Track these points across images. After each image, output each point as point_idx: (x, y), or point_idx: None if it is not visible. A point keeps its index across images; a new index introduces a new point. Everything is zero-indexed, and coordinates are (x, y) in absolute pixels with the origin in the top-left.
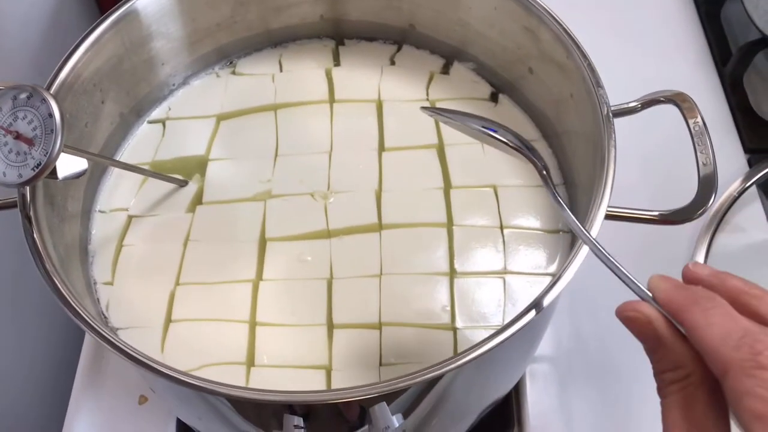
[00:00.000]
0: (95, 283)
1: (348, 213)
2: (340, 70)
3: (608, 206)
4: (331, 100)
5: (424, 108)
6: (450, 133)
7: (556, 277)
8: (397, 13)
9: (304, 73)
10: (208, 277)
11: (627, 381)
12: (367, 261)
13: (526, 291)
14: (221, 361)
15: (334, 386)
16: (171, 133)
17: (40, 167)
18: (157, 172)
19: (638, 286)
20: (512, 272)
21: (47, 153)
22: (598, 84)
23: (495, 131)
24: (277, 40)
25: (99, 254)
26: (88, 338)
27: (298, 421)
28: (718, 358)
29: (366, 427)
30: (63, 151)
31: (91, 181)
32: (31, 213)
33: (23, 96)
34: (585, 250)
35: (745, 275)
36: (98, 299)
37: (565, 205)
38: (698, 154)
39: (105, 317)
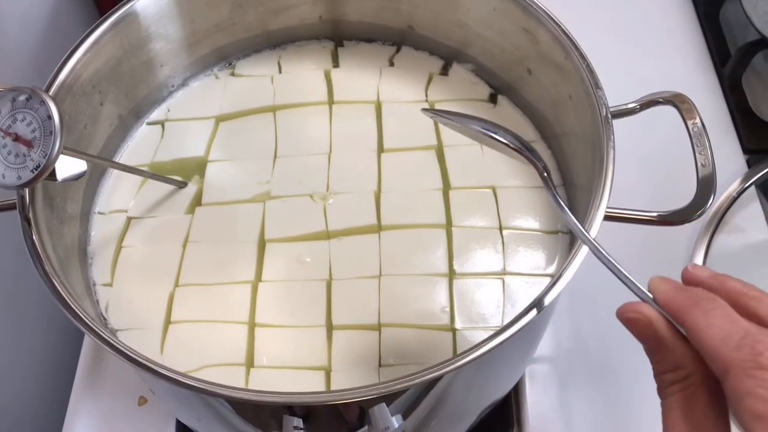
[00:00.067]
0: (94, 285)
1: (347, 214)
2: (339, 71)
3: (607, 207)
4: (330, 101)
5: (425, 110)
6: (449, 135)
7: (555, 278)
8: (396, 15)
9: (303, 75)
10: (207, 278)
11: (626, 381)
12: (367, 262)
13: (525, 292)
14: (221, 362)
15: (333, 387)
16: (170, 135)
17: (39, 169)
18: (156, 173)
19: (638, 288)
20: (511, 273)
21: (46, 155)
22: (597, 85)
23: (495, 133)
24: (276, 42)
25: (98, 256)
26: (88, 339)
27: (298, 422)
28: (719, 358)
29: (365, 428)
30: (62, 153)
31: (90, 182)
32: (31, 215)
33: (22, 98)
34: (584, 250)
35: (744, 276)
36: (97, 301)
37: (565, 207)
38: (697, 155)
39: (104, 319)
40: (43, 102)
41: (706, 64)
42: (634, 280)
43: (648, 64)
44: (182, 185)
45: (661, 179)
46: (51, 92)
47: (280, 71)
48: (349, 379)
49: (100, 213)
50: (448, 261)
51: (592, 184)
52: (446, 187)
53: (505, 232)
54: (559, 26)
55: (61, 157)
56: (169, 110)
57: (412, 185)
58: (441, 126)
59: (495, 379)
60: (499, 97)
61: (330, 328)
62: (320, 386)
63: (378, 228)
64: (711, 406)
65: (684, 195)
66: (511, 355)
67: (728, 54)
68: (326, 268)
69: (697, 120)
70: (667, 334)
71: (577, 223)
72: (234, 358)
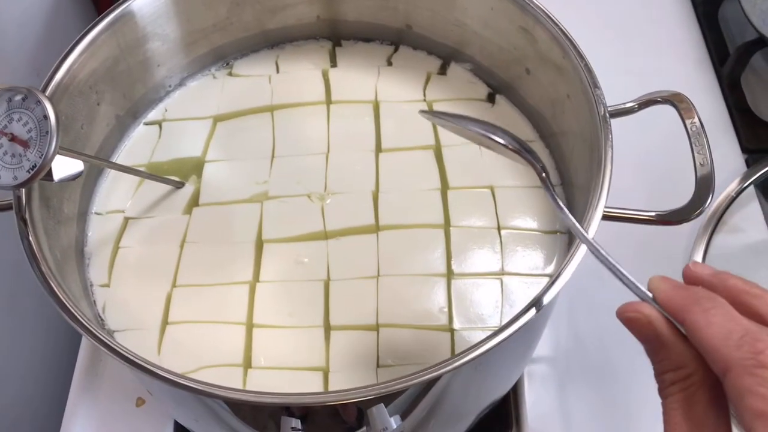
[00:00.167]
0: (92, 286)
1: (345, 214)
2: (337, 71)
3: (605, 207)
4: (328, 101)
5: (422, 112)
6: (447, 135)
7: (553, 278)
8: (394, 14)
9: (300, 74)
10: (204, 278)
11: (625, 382)
12: (365, 262)
13: (523, 292)
14: (218, 363)
15: (331, 388)
16: (167, 135)
17: (35, 169)
18: (153, 173)
19: (638, 287)
20: (509, 273)
21: (42, 155)
22: (595, 84)
23: (493, 134)
24: (273, 41)
25: (95, 256)
26: (85, 340)
27: (296, 423)
28: (720, 357)
29: (364, 428)
30: (58, 153)
31: (87, 183)
32: (27, 215)
33: (18, 98)
34: (582, 250)
35: (743, 275)
36: (95, 301)
37: (564, 207)
38: (695, 154)
39: (101, 319)
40: (39, 102)
41: (704, 64)
42: (633, 280)
43: (646, 63)
44: (179, 185)
45: (660, 179)
46: (47, 92)
47: (277, 71)
48: (347, 380)
49: (97, 213)
50: (447, 261)
51: (590, 183)
52: (444, 187)
53: (503, 232)
54: (557, 25)
55: (58, 157)
56: (166, 110)
57: (410, 185)
58: (439, 126)
59: (493, 379)
60: (498, 97)
61: (328, 328)
62: (318, 387)
63: (376, 228)
64: (712, 406)
65: (682, 195)
66: (510, 355)
67: (727, 53)
68: (324, 269)
69: (696, 119)
70: (668, 334)
71: (576, 223)
72: (231, 358)
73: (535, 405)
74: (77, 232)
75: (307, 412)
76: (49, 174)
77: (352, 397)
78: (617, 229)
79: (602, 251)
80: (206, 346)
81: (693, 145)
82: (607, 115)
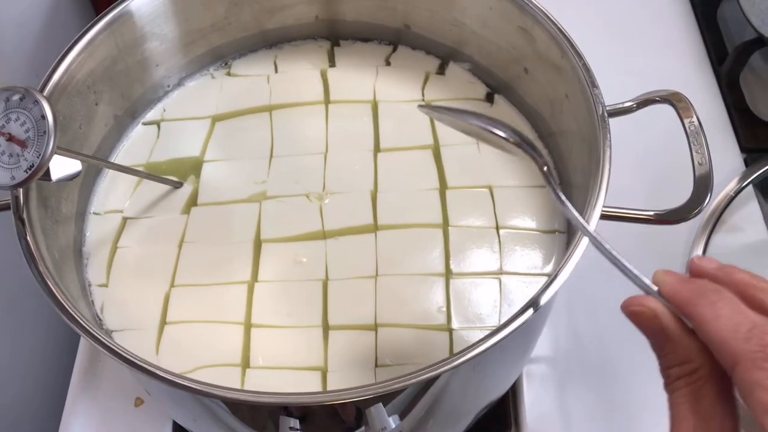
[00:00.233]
0: (90, 286)
1: (343, 214)
2: (336, 70)
3: (604, 206)
4: (327, 100)
5: (421, 106)
6: (446, 134)
7: (551, 277)
8: (392, 14)
9: (299, 74)
10: (203, 278)
11: (625, 381)
12: (363, 262)
13: (522, 291)
14: (216, 363)
15: (329, 388)
16: (166, 135)
17: (32, 169)
18: (151, 173)
19: (643, 281)
20: (508, 273)
21: (40, 155)
22: (594, 84)
23: (494, 128)
24: (272, 41)
25: (93, 256)
26: (84, 340)
27: (294, 423)
28: (728, 350)
29: (363, 428)
30: (56, 153)
31: (85, 183)
32: (25, 215)
33: (16, 97)
34: (581, 250)
35: None
36: (93, 301)
37: (566, 201)
38: (694, 153)
39: (100, 319)
40: (36, 102)
41: (703, 63)
42: (638, 273)
43: (645, 62)
44: (178, 185)
45: (658, 178)
46: (45, 92)
47: (276, 71)
48: (345, 380)
49: (95, 213)
50: (445, 261)
51: (588, 182)
52: (443, 186)
53: (501, 231)
54: (556, 25)
55: (56, 157)
56: (164, 110)
57: (409, 185)
58: (437, 125)
59: (492, 379)
60: (496, 96)
61: (326, 328)
62: (317, 387)
63: (374, 228)
64: (719, 400)
65: (681, 194)
66: (508, 354)
67: (726, 53)
68: (322, 268)
69: (694, 119)
70: (674, 328)
71: (579, 217)
72: (230, 358)
73: (534, 405)
74: (75, 232)
75: (306, 412)
76: (47, 174)
77: (350, 397)
78: (616, 229)
79: (606, 245)
80: (204, 346)
81: (691, 145)
82: (606, 114)
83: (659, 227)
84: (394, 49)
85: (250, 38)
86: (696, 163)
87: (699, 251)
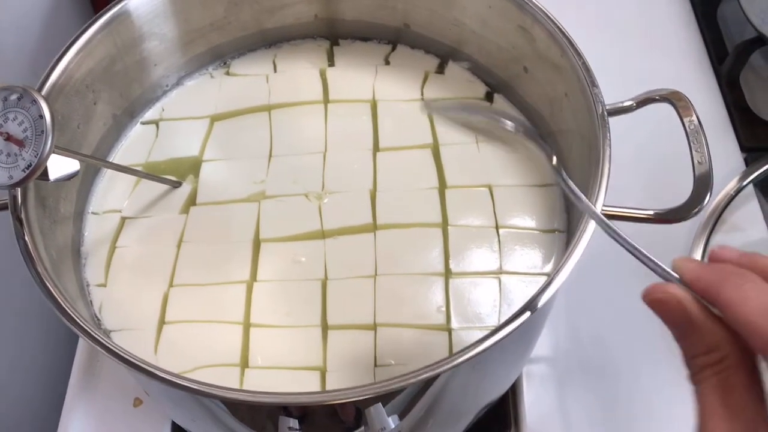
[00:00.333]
0: (88, 285)
1: (342, 213)
2: (335, 70)
3: (603, 205)
4: (326, 100)
5: (425, 105)
6: (445, 133)
7: (551, 277)
8: (392, 13)
9: (298, 74)
10: (201, 278)
11: (625, 381)
12: (362, 261)
13: (521, 291)
14: (215, 362)
15: (329, 388)
16: (164, 134)
17: (30, 168)
18: (150, 173)
19: (664, 268)
20: (508, 272)
21: (38, 154)
22: (593, 83)
23: (502, 119)
24: (271, 41)
25: (92, 256)
26: (82, 341)
27: (294, 423)
28: (758, 332)
29: (362, 428)
30: (54, 153)
31: (83, 182)
32: (23, 215)
33: (14, 97)
34: (580, 249)
35: None
36: (91, 301)
37: (578, 191)
38: (693, 152)
39: (98, 319)
40: (34, 101)
41: (703, 62)
42: (657, 261)
43: (645, 61)
44: (177, 185)
45: (658, 177)
46: (43, 91)
47: (275, 70)
48: (344, 380)
49: (93, 213)
50: (444, 260)
51: (588, 182)
52: (442, 185)
53: (501, 231)
54: (555, 24)
55: (53, 156)
56: (163, 110)
57: (408, 184)
58: (437, 124)
59: (492, 378)
60: (496, 95)
61: (325, 328)
62: (316, 387)
63: (373, 227)
64: (749, 389)
65: (681, 193)
66: (508, 354)
67: (726, 52)
68: (321, 268)
69: (694, 118)
70: (699, 315)
71: (591, 205)
72: (229, 358)
73: (533, 405)
74: (74, 232)
75: (305, 412)
76: (45, 173)
77: (349, 397)
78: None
79: (623, 236)
80: (203, 346)
81: (691, 144)
82: (605, 113)
83: (659, 226)
84: (394, 48)
85: (249, 37)
86: (696, 162)
87: (699, 250)
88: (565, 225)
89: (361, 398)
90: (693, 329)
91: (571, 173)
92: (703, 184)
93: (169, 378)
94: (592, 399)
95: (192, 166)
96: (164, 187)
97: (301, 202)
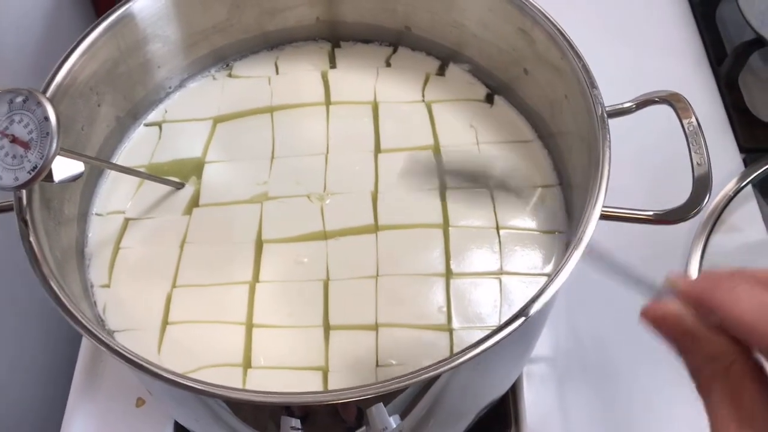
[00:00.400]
0: (92, 286)
1: (344, 214)
2: (336, 72)
3: (603, 206)
4: (327, 102)
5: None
6: (446, 134)
7: (551, 277)
8: (393, 16)
9: (300, 75)
10: (204, 279)
11: (625, 381)
12: (364, 262)
13: (522, 291)
14: (218, 363)
15: (331, 387)
16: (167, 136)
17: (36, 170)
18: (153, 174)
19: (656, 285)
20: (508, 273)
21: (43, 156)
22: (593, 85)
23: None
24: (273, 43)
25: (96, 257)
26: (86, 341)
27: (296, 422)
28: (756, 330)
29: (363, 428)
30: (59, 154)
31: (87, 184)
32: (28, 216)
33: (19, 99)
34: (581, 250)
35: None
36: (95, 302)
37: None
38: (692, 154)
39: (102, 320)
40: (39, 103)
41: (702, 64)
42: (646, 280)
43: (644, 63)
44: (180, 186)
45: (657, 178)
46: (48, 94)
47: (277, 72)
48: (346, 380)
49: (97, 214)
50: (445, 261)
51: (588, 183)
52: (443, 187)
53: (501, 231)
54: (555, 26)
55: (58, 158)
56: (166, 111)
57: (409, 185)
58: (438, 125)
59: (492, 378)
60: (496, 97)
61: (327, 328)
62: (318, 387)
63: (375, 228)
64: (760, 393)
65: (680, 194)
66: (509, 354)
67: (724, 53)
68: (323, 269)
69: (693, 119)
70: (699, 326)
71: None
72: (231, 358)
73: (534, 404)
74: (77, 233)
75: (307, 412)
76: (50, 175)
77: (351, 397)
78: (615, 229)
79: (602, 258)
80: (206, 346)
81: (690, 145)
82: (605, 115)
83: (658, 227)
84: (395, 51)
85: (251, 40)
86: (695, 163)
87: (698, 251)
88: (564, 226)
89: (363, 398)
90: (694, 341)
91: (572, 174)
92: (702, 185)
93: (173, 378)
94: (592, 399)
95: (195, 168)
96: (167, 188)
97: (303, 203)
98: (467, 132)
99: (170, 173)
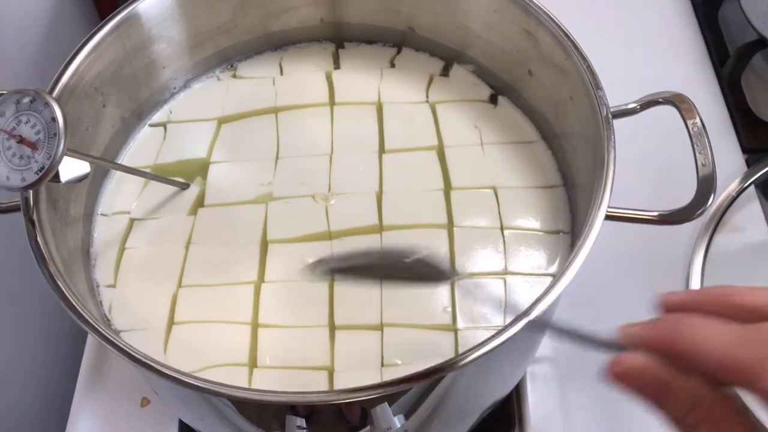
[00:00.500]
0: (98, 286)
1: (349, 215)
2: (341, 72)
3: (608, 207)
4: (332, 102)
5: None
6: (450, 135)
7: (556, 278)
8: (397, 17)
9: (304, 76)
10: (210, 279)
11: None
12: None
13: (526, 292)
14: (224, 362)
15: (336, 387)
16: (172, 137)
17: (43, 171)
18: (158, 175)
19: (613, 342)
20: (513, 273)
21: (50, 157)
22: (598, 86)
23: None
24: (277, 44)
25: (101, 257)
26: (91, 341)
27: (301, 422)
28: (732, 366)
29: (368, 428)
30: (66, 155)
31: (93, 184)
32: (35, 216)
33: (26, 100)
34: (586, 250)
35: (743, 275)
36: (101, 302)
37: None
38: (697, 154)
39: (108, 320)
40: (47, 104)
41: (705, 65)
42: (605, 337)
43: (648, 64)
44: (185, 187)
45: (662, 179)
46: (54, 94)
47: (281, 73)
48: (351, 379)
49: (102, 215)
50: (450, 261)
51: (593, 184)
52: (447, 187)
53: (506, 232)
54: (560, 27)
55: (65, 158)
56: (171, 112)
57: (414, 186)
58: (442, 126)
59: (496, 379)
60: (500, 98)
61: (333, 328)
62: (323, 386)
63: (380, 228)
64: (742, 426)
65: (684, 194)
66: (513, 354)
67: (727, 54)
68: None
69: (697, 120)
70: (669, 374)
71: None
72: (237, 358)
73: (537, 405)
74: (83, 233)
75: (312, 411)
76: (57, 176)
77: (356, 397)
78: (618, 229)
79: (566, 327)
80: (212, 346)
81: (695, 146)
82: (610, 116)
83: (662, 227)
84: (399, 51)
85: (255, 41)
86: (699, 164)
87: (701, 251)
88: (569, 226)
89: (368, 398)
90: (667, 390)
91: (576, 175)
92: (706, 185)
93: (180, 377)
94: (595, 399)
95: (200, 168)
96: (172, 188)
97: (308, 203)
98: (471, 132)
99: (175, 174)
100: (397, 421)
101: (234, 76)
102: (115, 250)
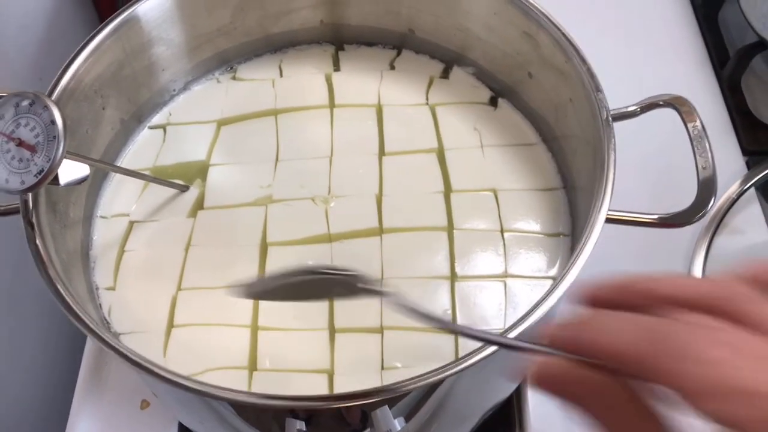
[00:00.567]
0: (97, 289)
1: (349, 217)
2: (340, 74)
3: (608, 210)
4: (332, 104)
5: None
6: (450, 137)
7: (557, 281)
8: (397, 19)
9: (304, 78)
10: (209, 281)
11: None
12: (368, 265)
13: (527, 294)
14: (223, 365)
15: (336, 390)
16: (172, 139)
17: (42, 174)
18: (158, 177)
19: (531, 346)
20: (513, 276)
21: (50, 159)
22: (598, 88)
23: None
24: (277, 46)
25: (101, 260)
26: (90, 343)
27: (301, 425)
28: (632, 359)
29: (368, 430)
30: (65, 158)
31: (92, 187)
32: (34, 219)
33: (25, 103)
34: (586, 253)
35: None
36: (100, 304)
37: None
38: (697, 157)
39: (107, 322)
40: (46, 107)
41: (705, 67)
42: (519, 343)
43: (648, 67)
44: (184, 189)
45: (662, 181)
46: (53, 97)
47: (281, 75)
48: (351, 382)
49: (102, 217)
50: (450, 263)
51: (593, 186)
52: (447, 189)
53: (506, 234)
54: (560, 30)
55: (64, 161)
56: (170, 114)
57: (414, 188)
58: (442, 128)
59: (497, 381)
60: (500, 101)
61: (332, 331)
62: (323, 389)
63: (380, 231)
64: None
65: (684, 197)
66: (514, 357)
67: (727, 56)
68: None
69: (698, 122)
70: (581, 374)
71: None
72: (237, 361)
73: (538, 407)
74: (83, 236)
75: (312, 415)
76: (56, 178)
77: (356, 400)
78: (618, 232)
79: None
80: (211, 349)
81: (695, 148)
82: (610, 118)
83: (662, 230)
84: (399, 54)
85: (255, 43)
86: (700, 166)
87: (701, 253)
88: (569, 229)
89: (368, 401)
90: (582, 392)
91: (576, 178)
92: (707, 188)
93: (179, 380)
94: None
95: (199, 170)
96: (172, 191)
97: (307, 206)
98: (471, 135)
99: (175, 176)
100: (398, 424)
101: (234, 78)
102: (115, 252)
